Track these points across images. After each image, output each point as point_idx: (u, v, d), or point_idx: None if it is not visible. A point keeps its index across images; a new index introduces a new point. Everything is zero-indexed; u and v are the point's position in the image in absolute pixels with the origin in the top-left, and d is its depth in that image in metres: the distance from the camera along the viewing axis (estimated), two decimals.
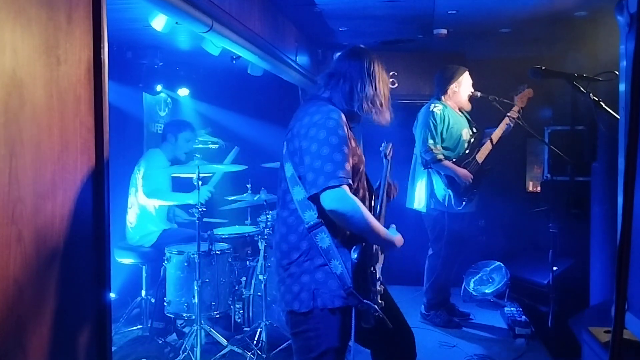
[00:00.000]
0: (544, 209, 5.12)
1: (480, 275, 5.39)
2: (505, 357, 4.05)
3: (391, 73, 6.16)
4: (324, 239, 2.16)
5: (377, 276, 2.28)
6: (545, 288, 4.66)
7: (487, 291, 5.25)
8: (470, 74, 4.75)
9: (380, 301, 2.24)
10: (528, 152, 6.33)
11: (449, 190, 4.51)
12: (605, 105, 2.54)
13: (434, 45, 5.77)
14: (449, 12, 4.51)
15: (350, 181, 2.14)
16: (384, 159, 2.69)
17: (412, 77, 5.06)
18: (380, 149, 2.72)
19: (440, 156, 4.49)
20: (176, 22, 3.34)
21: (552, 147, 4.56)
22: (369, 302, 2.15)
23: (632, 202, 0.87)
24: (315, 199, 2.15)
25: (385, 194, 2.49)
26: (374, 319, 2.19)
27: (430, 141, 4.51)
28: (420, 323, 4.79)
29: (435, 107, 4.61)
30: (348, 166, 2.14)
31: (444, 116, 4.57)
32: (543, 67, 2.91)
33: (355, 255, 2.16)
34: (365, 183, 2.40)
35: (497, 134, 4.62)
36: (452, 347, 4.24)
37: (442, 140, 4.56)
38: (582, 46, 5.11)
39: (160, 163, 4.44)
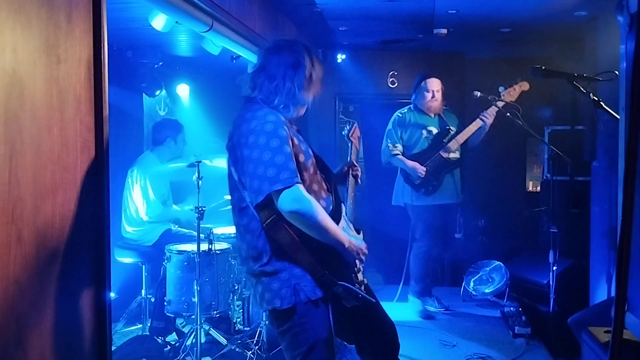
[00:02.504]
0: (544, 208, 5.13)
1: (480, 274, 5.39)
2: (504, 356, 4.05)
3: (391, 72, 6.18)
4: (285, 236, 2.15)
5: (357, 267, 2.31)
6: (545, 288, 4.66)
7: (486, 291, 5.25)
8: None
9: (359, 284, 2.27)
10: (528, 152, 6.33)
11: (407, 184, 4.94)
12: (606, 105, 2.54)
13: (434, 44, 5.77)
14: (449, 11, 4.52)
15: (299, 179, 2.11)
16: (348, 141, 2.75)
17: (412, 77, 5.06)
18: (343, 133, 2.74)
19: (396, 151, 4.92)
20: (176, 22, 3.34)
21: (552, 146, 4.55)
22: (343, 282, 2.18)
23: (632, 202, 0.87)
24: (263, 205, 2.12)
25: (351, 177, 2.59)
26: (356, 299, 2.22)
27: (388, 141, 4.97)
28: (420, 323, 4.79)
29: (399, 112, 5.07)
30: (293, 165, 2.11)
31: (404, 118, 5.00)
32: (543, 67, 2.91)
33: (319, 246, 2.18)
34: (319, 176, 2.34)
35: (464, 133, 4.84)
36: (452, 347, 4.24)
37: (402, 140, 4.98)
38: (583, 46, 5.11)
39: (161, 171, 4.41)
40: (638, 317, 1.37)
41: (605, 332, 1.95)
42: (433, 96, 4.88)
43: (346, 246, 2.22)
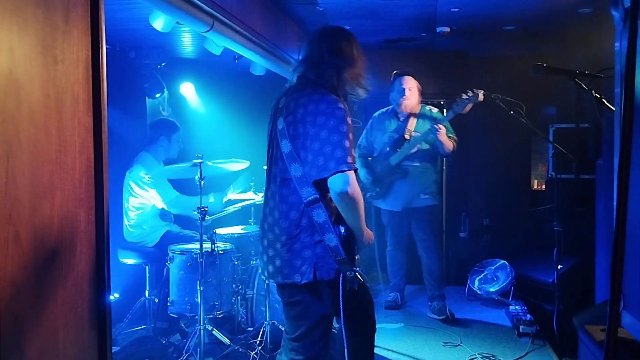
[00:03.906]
0: (549, 207, 5.10)
1: (484, 273, 5.37)
2: (509, 355, 4.03)
3: (394, 72, 6.16)
4: (320, 214, 2.31)
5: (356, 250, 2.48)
6: (550, 286, 4.64)
7: (491, 290, 5.23)
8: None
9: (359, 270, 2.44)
10: (532, 150, 6.31)
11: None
12: (609, 102, 2.52)
13: (437, 43, 5.75)
14: (452, 9, 4.50)
15: (356, 166, 2.29)
16: None
17: (415, 76, 5.03)
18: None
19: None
20: (177, 22, 3.34)
21: (556, 145, 4.53)
22: (356, 269, 2.36)
23: (626, 198, 0.86)
24: (319, 182, 2.29)
25: None
26: (358, 284, 2.37)
27: (361, 141, 5.10)
28: (424, 322, 4.78)
29: (378, 112, 5.10)
30: (354, 153, 2.29)
31: (377, 120, 5.05)
32: (545, 64, 2.89)
33: (343, 229, 2.34)
34: None
35: (410, 147, 4.78)
36: (456, 346, 4.23)
37: (371, 142, 5.04)
38: (587, 43, 5.08)
39: (157, 168, 4.44)
40: (635, 315, 1.36)
41: (602, 330, 1.92)
42: (404, 94, 4.76)
43: (365, 235, 2.43)
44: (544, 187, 6.14)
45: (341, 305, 2.35)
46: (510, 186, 6.29)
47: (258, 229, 4.54)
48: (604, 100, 2.47)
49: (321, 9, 4.52)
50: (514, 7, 4.43)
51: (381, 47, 6.00)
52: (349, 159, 2.25)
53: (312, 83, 2.44)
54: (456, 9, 4.48)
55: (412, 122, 4.83)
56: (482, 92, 4.46)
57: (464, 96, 4.45)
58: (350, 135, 2.30)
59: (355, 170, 2.28)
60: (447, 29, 5.09)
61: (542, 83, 4.72)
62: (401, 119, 4.88)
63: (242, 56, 4.41)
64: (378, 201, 5.03)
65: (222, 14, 3.28)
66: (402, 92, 4.78)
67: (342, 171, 2.22)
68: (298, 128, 2.34)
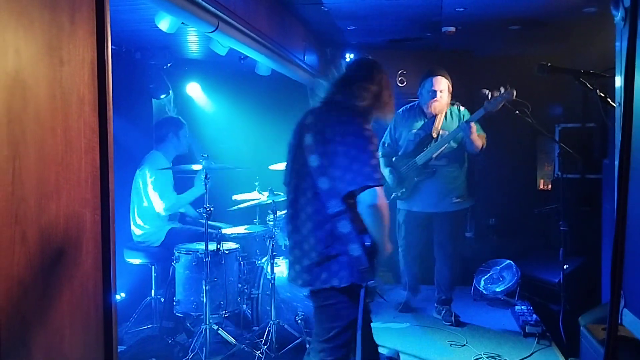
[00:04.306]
0: (555, 206, 5.09)
1: (490, 273, 5.36)
2: (515, 355, 4.03)
3: (400, 71, 6.15)
4: (346, 225, 2.48)
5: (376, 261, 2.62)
6: (556, 286, 4.64)
7: (497, 290, 5.22)
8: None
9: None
10: (538, 150, 6.29)
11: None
12: (613, 101, 2.51)
13: (442, 43, 5.75)
14: (457, 9, 4.49)
15: (383, 182, 2.50)
16: None
17: (421, 76, 5.02)
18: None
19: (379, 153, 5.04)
20: (182, 23, 3.35)
21: (562, 144, 4.52)
22: (377, 278, 2.54)
23: (626, 198, 0.86)
24: (347, 195, 2.47)
25: None
26: (375, 296, 2.57)
27: (383, 139, 4.98)
28: (431, 322, 4.78)
29: (403, 108, 4.94)
30: (381, 170, 2.51)
31: (402, 116, 4.88)
32: (549, 64, 2.89)
33: (368, 241, 2.50)
34: None
35: (439, 144, 4.65)
36: (461, 346, 4.22)
37: (395, 140, 4.92)
38: (592, 42, 5.07)
39: (166, 168, 4.47)
40: (636, 314, 1.36)
41: (603, 329, 1.92)
42: (435, 97, 4.62)
43: (386, 246, 2.57)
44: (549, 186, 6.13)
45: (360, 310, 2.51)
46: (516, 186, 6.27)
47: (263, 228, 4.60)
48: (609, 99, 2.47)
49: (326, 9, 4.53)
50: (519, 7, 4.42)
51: (386, 47, 6.00)
52: (376, 175, 2.45)
53: (339, 105, 2.65)
54: (461, 9, 4.48)
55: (440, 120, 4.69)
56: (514, 89, 4.33)
57: (496, 93, 4.33)
58: (377, 154, 2.52)
59: (382, 186, 2.46)
60: (452, 29, 5.08)
61: (548, 82, 4.70)
62: (428, 116, 4.73)
63: (247, 56, 4.42)
64: (404, 203, 4.90)
65: (227, 15, 3.29)
66: (433, 94, 4.62)
67: (370, 186, 2.43)
68: (327, 146, 2.52)
